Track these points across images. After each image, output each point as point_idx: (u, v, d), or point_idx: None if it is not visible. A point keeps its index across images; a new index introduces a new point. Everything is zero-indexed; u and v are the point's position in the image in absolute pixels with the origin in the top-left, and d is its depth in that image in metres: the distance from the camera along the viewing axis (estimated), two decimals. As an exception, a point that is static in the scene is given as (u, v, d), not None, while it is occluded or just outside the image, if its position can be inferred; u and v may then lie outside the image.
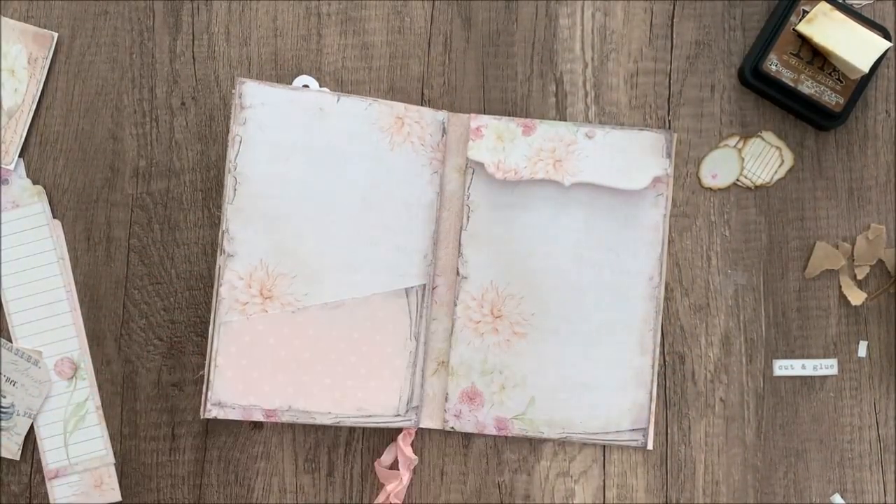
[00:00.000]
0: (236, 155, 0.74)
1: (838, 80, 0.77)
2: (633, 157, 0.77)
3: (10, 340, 0.77)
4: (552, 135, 0.77)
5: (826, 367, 0.78)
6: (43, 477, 0.77)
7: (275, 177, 0.74)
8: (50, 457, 0.77)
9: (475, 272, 0.77)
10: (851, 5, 0.78)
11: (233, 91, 0.75)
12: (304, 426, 0.77)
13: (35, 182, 0.78)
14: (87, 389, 0.77)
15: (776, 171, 0.79)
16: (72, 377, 0.77)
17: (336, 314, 0.75)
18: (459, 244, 0.77)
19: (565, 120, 0.79)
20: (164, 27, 0.79)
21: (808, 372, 0.78)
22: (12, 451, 0.76)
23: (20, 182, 0.77)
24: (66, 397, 0.77)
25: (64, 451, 0.77)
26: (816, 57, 0.77)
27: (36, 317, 0.77)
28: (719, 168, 0.79)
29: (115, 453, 0.77)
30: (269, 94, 0.74)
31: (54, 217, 0.78)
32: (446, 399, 0.77)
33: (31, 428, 0.77)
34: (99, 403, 0.77)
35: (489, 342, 0.77)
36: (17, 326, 0.77)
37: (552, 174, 0.76)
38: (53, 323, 0.77)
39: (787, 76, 0.77)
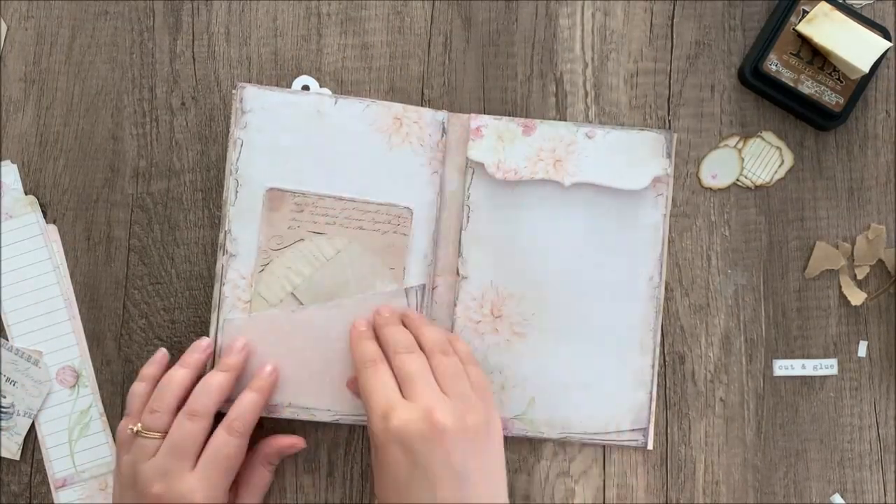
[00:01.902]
0: (237, 158, 0.74)
1: (838, 80, 0.77)
2: (633, 157, 0.77)
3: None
4: (552, 135, 0.77)
5: (826, 367, 0.78)
6: (44, 477, 0.77)
7: (275, 179, 0.74)
8: (56, 466, 0.77)
9: (475, 272, 0.77)
10: (851, 5, 0.78)
11: (233, 92, 0.75)
12: (305, 426, 0.77)
13: (35, 182, 0.78)
14: (90, 397, 0.77)
15: (776, 171, 0.79)
16: (74, 385, 0.77)
17: (336, 313, 0.75)
18: (459, 244, 0.77)
19: (565, 120, 0.79)
20: (164, 27, 0.79)
21: (808, 372, 0.78)
22: (12, 451, 0.76)
23: (12, 192, 0.77)
24: (69, 405, 0.77)
25: (70, 460, 0.77)
26: (816, 57, 0.77)
27: (35, 327, 0.77)
28: (719, 168, 0.79)
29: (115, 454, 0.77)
30: (269, 98, 0.75)
31: (53, 220, 0.78)
32: (446, 399, 0.77)
33: (32, 428, 0.77)
34: (102, 409, 0.77)
35: (489, 342, 0.77)
36: (17, 337, 0.77)
37: (552, 174, 0.76)
38: (53, 332, 0.77)
39: (787, 76, 0.77)
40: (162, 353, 0.74)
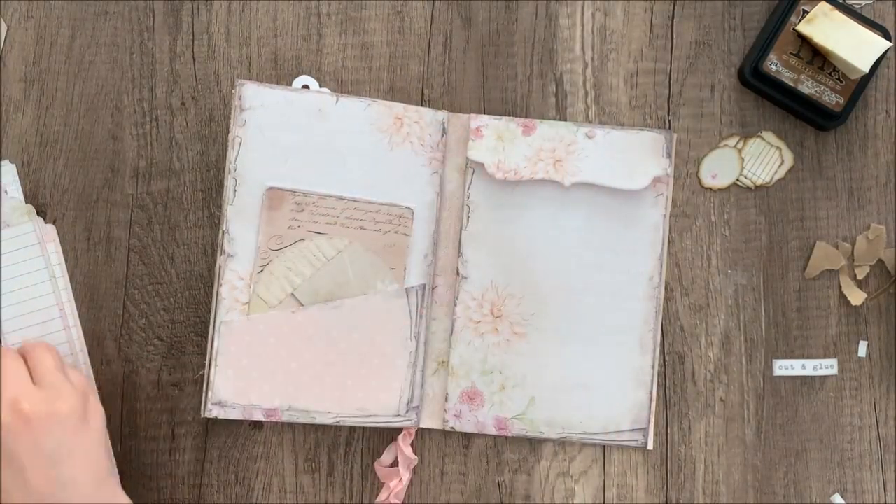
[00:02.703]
0: (236, 156, 0.74)
1: (838, 80, 0.77)
2: (633, 157, 0.77)
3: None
4: (552, 135, 0.77)
5: (826, 367, 0.78)
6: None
7: (274, 178, 0.74)
8: None
9: (475, 272, 0.77)
10: (851, 5, 0.78)
11: (233, 91, 0.75)
12: (304, 426, 0.77)
13: (35, 182, 0.78)
14: None
15: (776, 171, 0.79)
16: None
17: (336, 314, 0.75)
18: (459, 244, 0.77)
19: (565, 120, 0.79)
20: (164, 27, 0.79)
21: (808, 372, 0.78)
22: None
23: (11, 200, 0.77)
24: None
25: None
26: (816, 57, 0.77)
27: (29, 336, 0.76)
28: (719, 168, 0.79)
29: (115, 454, 0.77)
30: (269, 96, 0.74)
31: (52, 220, 0.77)
32: (446, 399, 0.77)
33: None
34: None
35: (489, 342, 0.77)
36: (14, 346, 0.76)
37: (552, 174, 0.76)
38: (48, 341, 0.76)
39: (787, 76, 0.77)
40: None
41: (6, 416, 0.66)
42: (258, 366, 0.74)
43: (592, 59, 0.79)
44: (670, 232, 0.78)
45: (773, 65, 0.77)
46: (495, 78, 0.79)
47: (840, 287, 0.79)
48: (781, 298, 0.79)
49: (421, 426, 0.77)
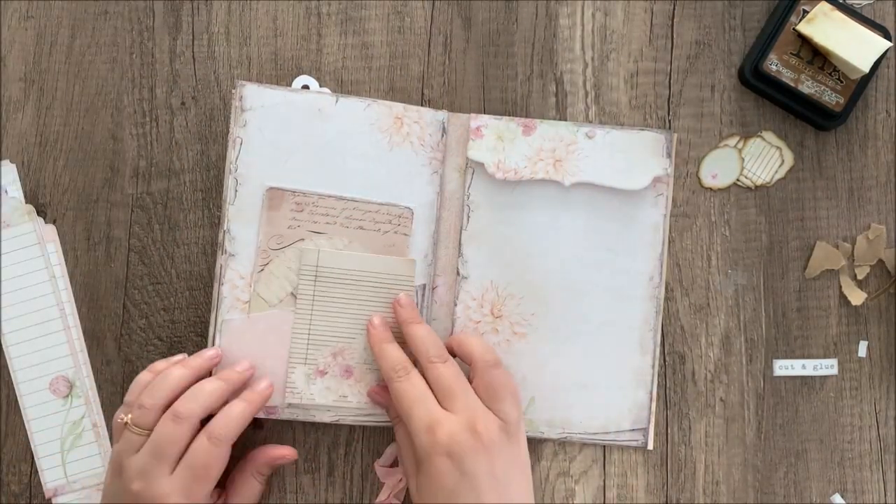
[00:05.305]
0: (237, 157, 0.74)
1: (838, 80, 0.77)
2: (633, 157, 0.77)
3: (4, 360, 0.76)
4: (552, 135, 0.77)
5: (826, 367, 0.78)
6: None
7: (274, 178, 0.74)
8: (48, 476, 0.76)
9: (475, 272, 0.77)
10: (851, 5, 0.78)
11: (233, 92, 0.75)
12: (304, 426, 0.77)
13: (35, 182, 0.78)
14: (82, 408, 0.77)
15: (776, 171, 0.79)
16: (67, 395, 0.76)
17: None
18: (459, 244, 0.77)
19: (565, 120, 0.79)
20: (164, 27, 0.79)
21: (808, 372, 0.78)
22: None
23: (11, 201, 0.77)
24: (61, 416, 0.76)
25: (62, 470, 0.76)
26: (816, 57, 0.77)
27: (29, 336, 0.76)
28: (719, 168, 0.79)
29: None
30: (269, 97, 0.75)
31: (52, 220, 0.77)
32: (446, 399, 0.77)
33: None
34: (95, 421, 0.77)
35: (489, 342, 0.77)
36: (12, 346, 0.76)
37: (552, 174, 0.76)
38: (47, 342, 0.76)
39: (787, 76, 0.77)
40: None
41: (467, 436, 0.66)
42: (258, 365, 0.74)
43: (592, 59, 0.79)
44: (670, 232, 0.78)
45: (774, 65, 0.77)
46: (495, 78, 0.79)
47: (840, 287, 0.79)
48: (781, 298, 0.79)
49: (421, 426, 0.77)
